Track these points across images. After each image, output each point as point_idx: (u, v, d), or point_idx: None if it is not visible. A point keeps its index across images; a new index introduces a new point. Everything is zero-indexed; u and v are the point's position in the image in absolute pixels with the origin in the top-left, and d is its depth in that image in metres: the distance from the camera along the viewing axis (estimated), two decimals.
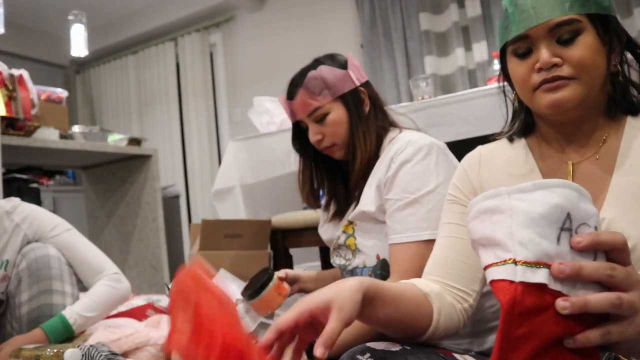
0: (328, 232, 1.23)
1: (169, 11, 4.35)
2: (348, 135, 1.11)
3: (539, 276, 0.43)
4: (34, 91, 2.36)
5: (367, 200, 1.07)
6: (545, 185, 0.45)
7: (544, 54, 0.68)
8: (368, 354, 0.61)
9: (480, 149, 0.85)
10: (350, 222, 1.12)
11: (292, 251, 1.96)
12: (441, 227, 0.82)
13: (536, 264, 0.43)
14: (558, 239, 0.44)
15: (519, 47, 0.71)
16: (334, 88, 1.10)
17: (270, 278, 1.07)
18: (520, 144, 0.81)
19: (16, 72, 2.26)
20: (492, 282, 0.46)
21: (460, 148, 1.05)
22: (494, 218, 0.47)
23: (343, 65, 1.13)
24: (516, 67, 0.73)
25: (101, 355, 1.03)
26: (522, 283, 0.43)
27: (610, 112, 0.73)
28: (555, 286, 0.43)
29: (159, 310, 1.67)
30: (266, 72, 3.98)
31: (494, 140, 0.86)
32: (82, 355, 1.02)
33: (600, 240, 0.44)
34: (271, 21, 4.00)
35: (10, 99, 2.19)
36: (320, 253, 2.14)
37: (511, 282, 0.43)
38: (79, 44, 3.26)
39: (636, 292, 0.44)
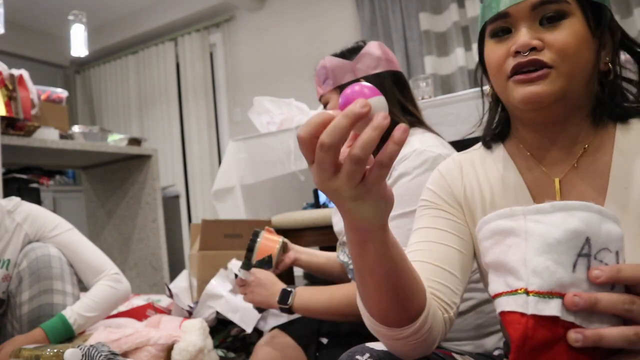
0: (340, 223, 1.21)
1: (169, 11, 4.35)
2: None
3: (552, 308, 0.40)
4: (34, 91, 2.36)
5: None
6: (565, 207, 0.42)
7: (522, 34, 0.60)
8: (367, 354, 0.61)
9: (458, 157, 0.76)
10: None
11: None
12: (417, 232, 0.71)
13: (549, 294, 0.40)
14: (574, 266, 0.41)
15: (497, 27, 0.64)
16: (334, 78, 1.10)
17: (256, 234, 1.20)
18: (500, 152, 0.72)
19: (16, 72, 2.26)
20: (502, 313, 0.43)
21: (460, 148, 1.04)
22: (507, 240, 0.44)
23: (352, 54, 1.11)
24: (492, 51, 0.65)
25: (101, 355, 1.03)
26: (534, 316, 0.40)
27: (595, 117, 0.64)
28: (568, 317, 0.40)
29: (159, 310, 1.67)
30: (266, 72, 3.98)
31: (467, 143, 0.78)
32: (82, 355, 1.02)
33: (620, 277, 0.40)
34: (271, 21, 4.00)
35: (10, 99, 2.18)
36: None
37: (522, 314, 0.41)
38: (79, 44, 3.26)
39: None
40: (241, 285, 1.14)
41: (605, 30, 0.63)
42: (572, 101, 0.62)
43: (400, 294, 0.53)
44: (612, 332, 0.40)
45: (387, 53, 1.11)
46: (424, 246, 0.67)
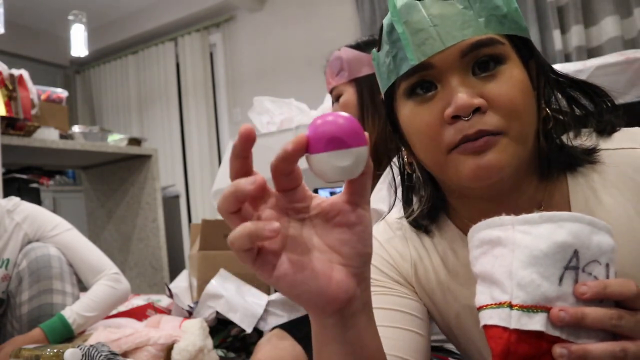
0: None
1: (169, 11, 4.35)
2: (357, 119, 1.10)
3: (536, 322, 0.38)
4: (34, 91, 2.36)
5: (379, 197, 1.02)
6: (554, 218, 0.40)
7: (459, 93, 0.46)
8: None
9: (397, 225, 0.63)
10: None
11: None
12: (376, 313, 0.49)
13: (534, 308, 0.39)
14: (560, 280, 0.39)
15: (415, 82, 0.50)
16: (349, 71, 1.08)
17: None
18: (447, 225, 0.59)
19: (16, 72, 2.26)
20: (485, 326, 0.42)
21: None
22: (495, 251, 0.42)
23: (369, 47, 1.10)
24: (415, 116, 0.50)
25: (101, 355, 1.03)
26: (517, 330, 0.39)
27: (543, 174, 0.53)
28: (553, 332, 0.38)
29: (159, 310, 1.67)
30: (266, 72, 3.98)
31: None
32: (82, 355, 1.02)
33: (607, 293, 0.38)
34: (271, 21, 4.00)
35: (10, 99, 2.18)
36: None
37: (505, 328, 0.39)
38: (79, 44, 3.26)
39: None
40: None
41: (538, 68, 0.52)
42: (523, 164, 0.51)
43: None
44: (598, 348, 0.38)
45: None
46: (383, 332, 0.50)
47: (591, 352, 0.37)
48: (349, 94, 1.09)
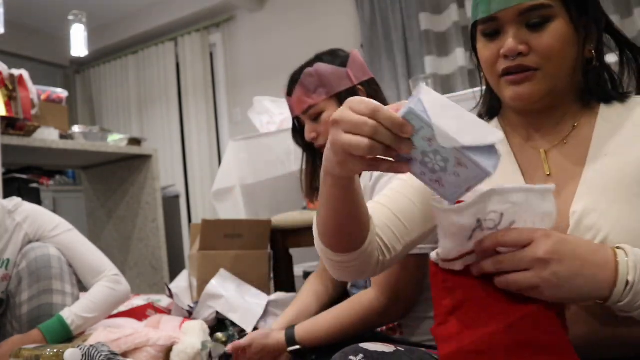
0: None
1: (169, 11, 4.35)
2: None
3: (458, 265, 0.56)
4: (34, 91, 2.36)
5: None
6: (461, 208, 0.54)
7: (510, 41, 0.64)
8: (361, 355, 0.61)
9: None
10: None
11: (292, 251, 1.96)
12: (394, 181, 0.78)
13: (455, 259, 0.57)
14: (470, 238, 0.55)
15: (487, 28, 0.68)
16: (328, 86, 1.07)
17: None
18: (494, 124, 0.77)
19: (16, 72, 2.26)
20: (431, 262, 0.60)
21: None
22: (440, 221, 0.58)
23: (343, 62, 1.10)
24: (483, 49, 0.70)
25: (101, 355, 1.03)
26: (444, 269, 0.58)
27: (583, 100, 0.70)
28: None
29: (159, 310, 1.67)
30: (266, 72, 3.98)
31: None
32: (82, 355, 1.02)
33: (501, 241, 0.53)
34: (271, 21, 4.00)
35: (10, 99, 2.18)
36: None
37: (436, 265, 0.59)
38: (79, 44, 3.25)
39: (535, 271, 0.51)
40: None
41: (590, 22, 0.66)
42: (558, 93, 0.68)
43: (345, 228, 0.65)
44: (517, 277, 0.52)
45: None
46: (391, 194, 0.75)
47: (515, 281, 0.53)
48: (333, 111, 1.07)
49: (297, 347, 1.00)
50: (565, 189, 0.65)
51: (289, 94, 1.13)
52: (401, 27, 3.36)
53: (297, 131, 1.20)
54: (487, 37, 0.68)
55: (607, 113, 0.68)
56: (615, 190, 0.62)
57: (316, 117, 1.09)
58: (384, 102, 1.15)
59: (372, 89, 1.13)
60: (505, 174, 0.69)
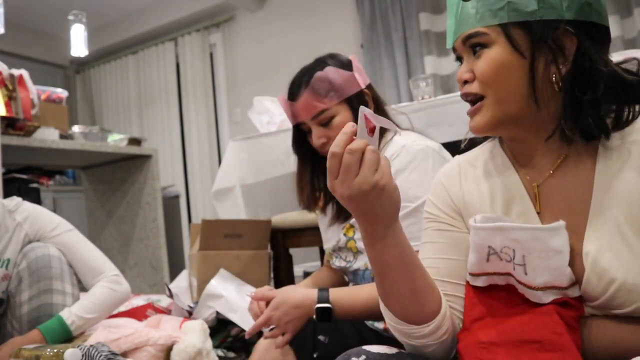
0: (332, 239, 1.18)
1: (169, 11, 4.35)
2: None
3: (481, 281, 0.65)
4: (34, 91, 2.36)
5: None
6: (476, 227, 0.64)
7: (459, 69, 0.67)
8: (364, 356, 0.61)
9: (457, 160, 0.79)
10: (352, 226, 1.10)
11: (292, 251, 1.95)
12: (423, 247, 0.75)
13: (478, 275, 0.66)
14: (487, 260, 0.63)
15: (456, 58, 0.71)
16: (340, 90, 1.05)
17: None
18: (498, 150, 0.73)
19: (16, 72, 2.26)
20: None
21: (460, 148, 1.05)
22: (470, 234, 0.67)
23: (347, 66, 1.09)
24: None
25: (101, 355, 1.03)
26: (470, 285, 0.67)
27: (561, 136, 0.63)
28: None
29: (159, 310, 1.67)
30: (266, 72, 3.98)
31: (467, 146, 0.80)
32: (82, 355, 1.02)
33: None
34: (271, 21, 4.00)
35: (10, 99, 2.18)
36: (320, 253, 2.14)
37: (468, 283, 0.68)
38: (79, 44, 3.25)
39: None
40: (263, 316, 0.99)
41: (540, 43, 0.60)
42: (527, 122, 0.65)
43: (417, 289, 0.63)
44: None
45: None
46: (430, 263, 0.71)
47: None
48: (345, 114, 1.06)
49: (328, 305, 0.95)
50: (573, 225, 0.61)
51: (293, 98, 1.10)
52: (401, 27, 3.36)
53: (300, 138, 1.16)
54: (458, 60, 0.71)
55: (605, 152, 0.62)
56: (620, 233, 0.58)
57: (326, 122, 1.07)
58: (383, 103, 1.15)
59: (375, 93, 1.14)
60: (517, 204, 0.68)
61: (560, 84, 0.61)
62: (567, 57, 0.61)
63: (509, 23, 0.61)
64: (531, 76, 0.62)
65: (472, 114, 0.67)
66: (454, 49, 0.69)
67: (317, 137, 1.08)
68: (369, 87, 1.12)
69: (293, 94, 1.10)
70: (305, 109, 1.07)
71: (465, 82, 0.67)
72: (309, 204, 1.18)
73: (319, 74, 1.05)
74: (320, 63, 1.10)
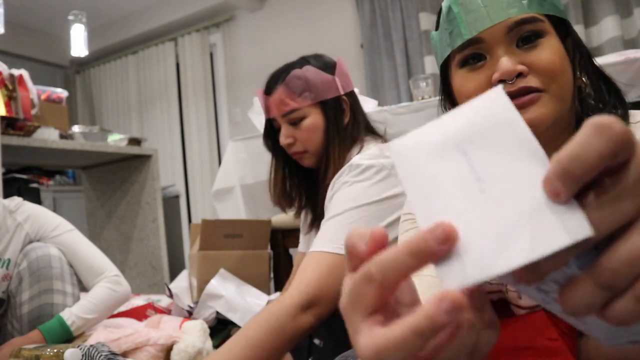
0: (307, 248, 1.13)
1: (169, 11, 4.35)
2: (322, 145, 1.03)
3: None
4: (34, 91, 2.36)
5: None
6: None
7: (504, 61, 0.54)
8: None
9: None
10: None
11: (292, 251, 1.95)
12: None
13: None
14: None
15: (468, 54, 0.57)
16: (316, 92, 1.02)
17: None
18: None
19: (16, 72, 2.26)
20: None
21: None
22: None
23: (331, 68, 1.05)
24: (465, 82, 0.58)
25: (101, 355, 1.03)
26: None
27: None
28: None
29: (159, 310, 1.67)
30: (266, 72, 3.92)
31: None
32: (82, 355, 1.02)
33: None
34: (271, 21, 4.00)
35: (10, 99, 2.18)
36: None
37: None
38: (79, 44, 3.25)
39: None
40: None
41: (574, 45, 0.59)
42: (560, 123, 0.58)
43: None
44: None
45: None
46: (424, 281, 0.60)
47: None
48: (316, 118, 1.03)
49: None
50: None
51: (268, 92, 1.07)
52: (401, 27, 3.36)
53: (270, 134, 1.12)
54: (469, 66, 0.58)
55: None
56: None
57: (296, 122, 1.03)
58: (362, 113, 1.10)
59: (354, 101, 1.08)
60: None
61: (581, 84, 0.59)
62: (583, 59, 0.60)
63: (553, 17, 0.57)
64: (574, 75, 0.58)
65: (523, 105, 0.53)
66: (475, 41, 0.56)
67: (284, 136, 1.05)
68: (350, 94, 1.08)
69: (269, 88, 1.07)
70: (277, 105, 1.04)
71: (519, 75, 0.54)
72: (281, 203, 1.14)
73: (296, 71, 1.02)
74: (302, 61, 1.07)
